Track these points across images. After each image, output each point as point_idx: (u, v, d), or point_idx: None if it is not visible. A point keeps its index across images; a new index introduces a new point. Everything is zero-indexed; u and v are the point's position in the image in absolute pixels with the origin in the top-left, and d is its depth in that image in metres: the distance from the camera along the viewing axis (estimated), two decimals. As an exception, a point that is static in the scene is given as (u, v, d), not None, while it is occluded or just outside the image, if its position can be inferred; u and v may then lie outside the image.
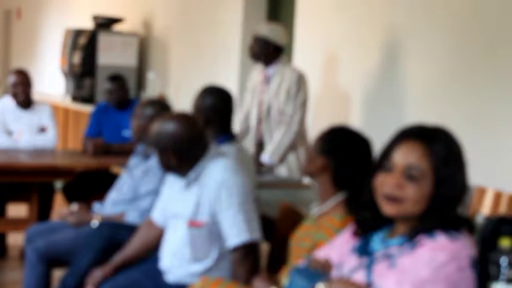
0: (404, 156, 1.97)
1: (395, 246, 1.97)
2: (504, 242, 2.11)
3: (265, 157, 4.79)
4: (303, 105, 4.82)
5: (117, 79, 5.56)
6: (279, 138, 4.79)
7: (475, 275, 1.89)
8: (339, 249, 2.15)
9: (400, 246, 1.95)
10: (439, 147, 1.98)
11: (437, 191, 1.95)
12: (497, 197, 4.13)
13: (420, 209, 1.95)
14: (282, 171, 4.83)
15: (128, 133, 5.30)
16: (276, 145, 4.78)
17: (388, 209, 1.98)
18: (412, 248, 1.92)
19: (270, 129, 4.89)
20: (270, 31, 4.87)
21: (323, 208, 2.60)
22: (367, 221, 2.09)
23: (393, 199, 1.96)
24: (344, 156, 2.59)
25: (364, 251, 2.04)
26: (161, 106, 3.91)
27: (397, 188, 1.96)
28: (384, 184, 1.99)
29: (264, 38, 4.82)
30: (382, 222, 2.07)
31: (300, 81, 4.82)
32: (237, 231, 2.90)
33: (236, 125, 5.04)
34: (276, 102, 4.82)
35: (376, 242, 2.04)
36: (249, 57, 4.97)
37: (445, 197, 1.95)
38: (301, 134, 4.89)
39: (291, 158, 4.86)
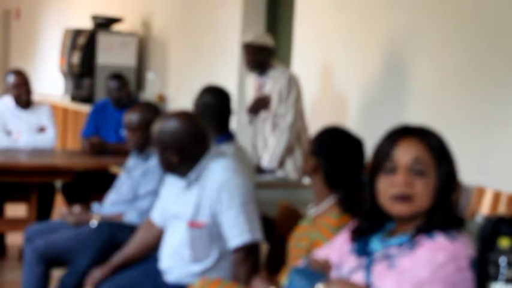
0: (407, 154, 1.96)
1: (395, 246, 1.97)
2: (503, 242, 2.11)
3: (264, 162, 4.81)
4: (295, 105, 4.82)
5: (119, 77, 5.55)
6: (274, 142, 4.80)
7: (474, 275, 1.89)
8: (338, 249, 2.15)
9: (399, 247, 1.95)
10: (434, 141, 1.99)
11: (440, 183, 1.95)
12: (496, 196, 4.13)
13: (429, 204, 1.95)
14: (280, 175, 4.83)
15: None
16: (272, 149, 4.79)
17: (400, 208, 1.96)
18: (411, 249, 1.92)
19: (264, 133, 4.90)
20: (262, 37, 4.89)
21: (319, 209, 2.61)
22: (366, 227, 2.07)
23: (404, 198, 1.94)
24: (335, 157, 2.61)
25: (363, 251, 2.04)
26: (149, 110, 3.83)
27: (407, 186, 1.94)
28: (392, 185, 1.96)
29: (263, 45, 4.83)
30: (380, 226, 2.07)
31: (291, 82, 4.82)
32: (238, 231, 2.89)
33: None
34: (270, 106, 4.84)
35: (376, 242, 2.03)
36: (250, 68, 4.94)
37: (446, 189, 1.96)
38: (297, 136, 4.89)
39: (288, 162, 4.86)
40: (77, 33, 8.60)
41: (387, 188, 1.97)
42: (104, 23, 8.63)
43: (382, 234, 2.05)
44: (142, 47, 8.70)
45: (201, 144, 3.00)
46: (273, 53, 4.91)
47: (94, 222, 3.64)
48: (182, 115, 3.02)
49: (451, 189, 1.98)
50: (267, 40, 4.88)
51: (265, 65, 4.86)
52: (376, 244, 2.03)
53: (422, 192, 1.94)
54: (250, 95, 5.02)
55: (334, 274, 2.08)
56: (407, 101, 4.90)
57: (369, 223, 2.06)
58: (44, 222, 4.24)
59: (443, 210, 1.95)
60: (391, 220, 2.03)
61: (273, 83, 4.82)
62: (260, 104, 4.86)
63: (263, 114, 4.89)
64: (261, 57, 4.84)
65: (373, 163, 2.03)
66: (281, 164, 4.84)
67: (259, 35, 4.97)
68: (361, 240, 2.07)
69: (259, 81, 4.91)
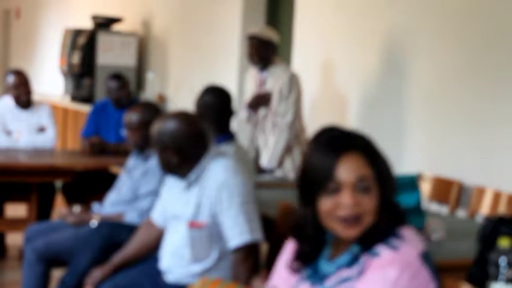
0: (349, 172, 1.84)
1: (344, 267, 1.86)
2: (503, 242, 2.11)
3: (264, 162, 4.80)
4: (295, 104, 4.81)
5: (119, 77, 5.54)
6: (273, 141, 4.79)
7: (428, 267, 1.82)
8: (286, 279, 2.02)
9: (349, 268, 1.85)
10: (370, 150, 1.89)
11: (383, 193, 1.86)
12: (497, 197, 4.13)
13: (375, 219, 1.85)
14: (278, 175, 4.83)
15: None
16: (272, 149, 4.78)
17: (349, 232, 1.85)
18: (362, 272, 1.81)
19: (265, 132, 4.89)
20: (267, 32, 4.89)
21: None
22: (308, 254, 1.96)
23: (355, 219, 1.83)
24: None
25: (316, 277, 1.92)
26: (150, 110, 3.82)
27: (356, 206, 1.83)
28: (338, 207, 1.84)
29: (268, 39, 4.82)
30: (320, 248, 1.96)
31: (292, 81, 4.81)
32: (238, 231, 2.89)
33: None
34: (270, 103, 4.84)
35: (324, 263, 1.93)
36: (252, 62, 4.90)
37: (389, 199, 1.87)
38: (296, 135, 4.88)
39: (287, 162, 4.86)
40: (77, 33, 8.61)
41: (333, 210, 1.85)
42: (104, 23, 8.63)
43: (327, 251, 1.94)
44: (143, 47, 8.70)
45: (201, 144, 3.00)
46: (276, 49, 4.90)
47: (94, 222, 3.64)
48: (181, 115, 3.01)
49: (393, 192, 1.90)
50: (272, 35, 4.88)
51: (268, 60, 4.84)
52: (325, 266, 1.92)
53: (370, 208, 1.84)
54: (250, 89, 5.01)
55: None
56: (407, 100, 4.90)
57: (312, 247, 1.95)
58: (44, 222, 4.24)
59: (387, 217, 1.86)
60: (328, 232, 1.92)
61: (274, 80, 4.81)
62: (260, 101, 4.85)
63: (262, 111, 4.89)
64: (265, 52, 4.83)
65: (309, 182, 1.90)
66: (280, 163, 4.84)
67: (265, 29, 4.98)
68: (308, 264, 1.96)
69: (260, 76, 4.89)
